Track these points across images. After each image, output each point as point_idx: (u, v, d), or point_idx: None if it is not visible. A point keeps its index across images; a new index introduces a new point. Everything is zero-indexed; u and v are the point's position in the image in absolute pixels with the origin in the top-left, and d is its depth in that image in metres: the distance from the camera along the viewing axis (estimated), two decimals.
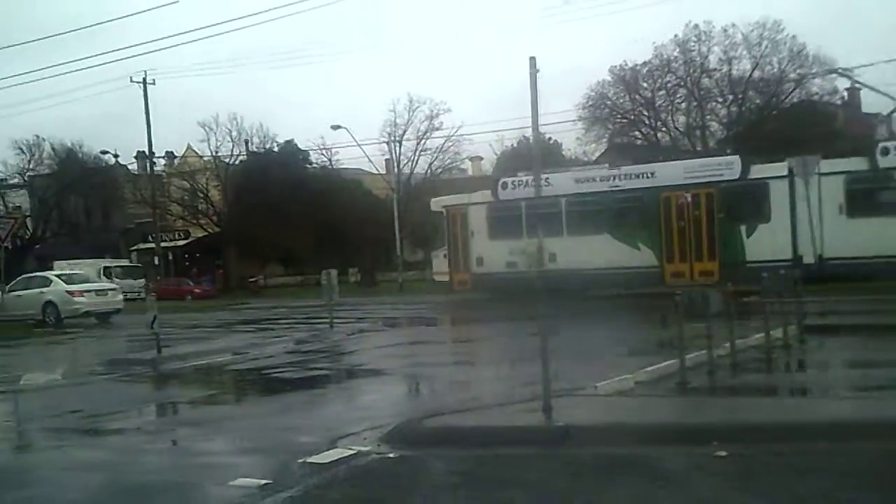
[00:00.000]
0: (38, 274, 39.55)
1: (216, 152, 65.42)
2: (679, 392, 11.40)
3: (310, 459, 8.66)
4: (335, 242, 53.73)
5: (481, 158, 67.57)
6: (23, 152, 69.12)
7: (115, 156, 69.07)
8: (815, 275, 27.52)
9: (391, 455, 8.97)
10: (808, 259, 29.57)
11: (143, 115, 56.30)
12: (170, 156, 72.81)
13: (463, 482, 8.02)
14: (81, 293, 34.04)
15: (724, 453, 8.21)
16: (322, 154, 63.15)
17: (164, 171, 71.44)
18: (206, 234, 66.34)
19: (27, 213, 67.00)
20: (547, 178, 33.20)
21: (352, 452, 8.97)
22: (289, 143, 64.30)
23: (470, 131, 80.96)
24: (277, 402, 13.60)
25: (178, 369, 18.30)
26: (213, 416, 12.50)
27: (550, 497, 7.43)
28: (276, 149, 64.92)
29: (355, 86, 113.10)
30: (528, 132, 50.06)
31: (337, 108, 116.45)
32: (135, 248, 67.78)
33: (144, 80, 56.01)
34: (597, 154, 55.11)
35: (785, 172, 30.58)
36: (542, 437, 9.37)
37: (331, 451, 8.99)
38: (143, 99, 56.31)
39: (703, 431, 8.95)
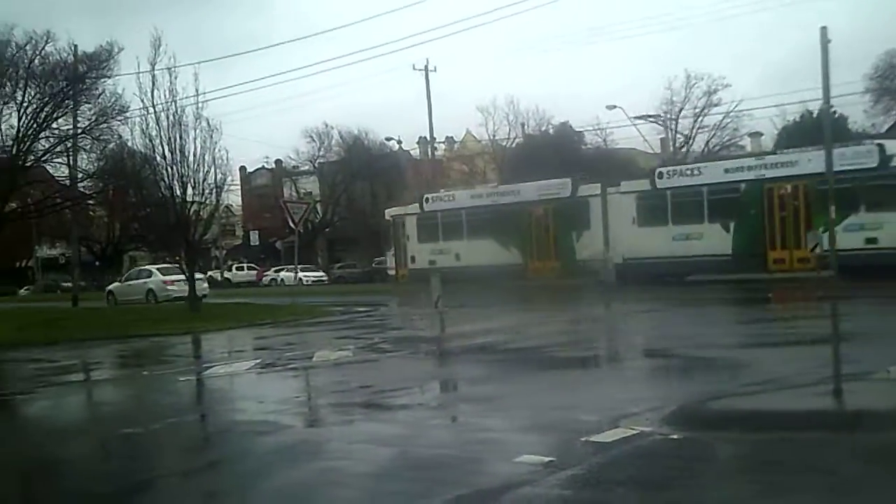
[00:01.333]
0: (143, 267, 50.33)
1: (494, 136, 66.52)
2: None
3: (592, 438, 8.58)
4: None
5: (761, 134, 65.00)
6: (313, 140, 73.03)
7: (399, 142, 71.74)
8: (621, 272, 37.48)
9: (674, 436, 8.77)
10: (617, 259, 38.20)
11: (425, 102, 58.14)
12: (450, 140, 74.69)
13: (749, 466, 7.74)
14: (172, 282, 41.97)
15: None
16: (596, 134, 62.94)
17: (444, 155, 73.29)
18: None
19: (317, 199, 70.63)
20: (452, 194, 46.71)
21: (634, 432, 8.83)
22: (564, 124, 64.43)
23: (749, 106, 77.89)
24: (556, 380, 13.62)
25: (459, 347, 18.76)
26: (494, 393, 12.65)
27: (843, 484, 7.04)
28: (551, 131, 65.19)
29: (631, 64, 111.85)
30: (811, 106, 47.93)
31: (612, 88, 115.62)
32: None
33: (426, 67, 57.85)
34: (885, 127, 52.04)
35: (598, 192, 40.12)
36: (832, 422, 8.96)
37: (612, 431, 8.87)
38: (424, 86, 58.13)
39: None
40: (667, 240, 36.87)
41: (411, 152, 75.34)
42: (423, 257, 45.56)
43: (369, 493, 7.76)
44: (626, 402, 10.63)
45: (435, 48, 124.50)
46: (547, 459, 7.91)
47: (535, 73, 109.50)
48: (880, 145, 33.26)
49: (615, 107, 52.59)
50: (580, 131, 63.24)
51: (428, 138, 63.53)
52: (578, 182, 41.42)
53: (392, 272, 48.88)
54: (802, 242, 34.21)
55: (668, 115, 58.25)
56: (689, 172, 38.03)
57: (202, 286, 41.06)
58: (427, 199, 47.06)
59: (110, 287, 44.83)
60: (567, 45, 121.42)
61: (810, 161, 33.76)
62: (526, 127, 66.96)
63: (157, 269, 46.81)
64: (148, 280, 45.41)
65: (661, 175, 38.41)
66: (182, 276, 39.52)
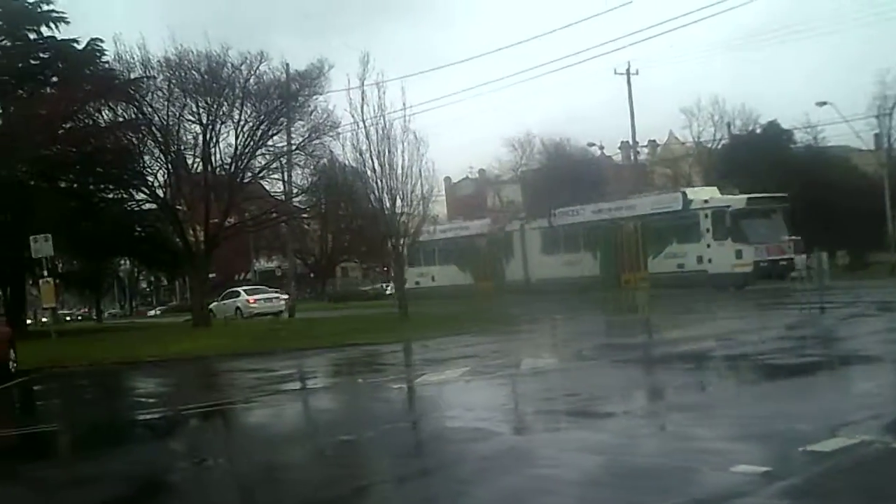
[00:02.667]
0: (233, 289, 56.40)
1: (698, 138, 65.23)
2: None
3: (809, 447, 8.33)
4: (822, 223, 51.40)
5: None
6: (515, 149, 73.35)
7: (601, 147, 71.22)
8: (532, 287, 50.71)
9: None
10: (532, 279, 51.88)
11: (627, 106, 57.52)
12: (652, 144, 73.67)
13: None
14: (255, 301, 50.63)
15: None
16: (806, 132, 60.75)
17: (647, 159, 72.34)
18: None
19: (520, 207, 70.99)
20: (434, 227, 53.44)
21: (854, 442, 8.51)
22: (772, 123, 62.49)
23: None
24: (769, 388, 13.26)
25: (666, 354, 18.49)
26: (704, 401, 12.43)
27: None
28: (758, 130, 63.36)
29: (841, 58, 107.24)
30: None
31: (822, 84, 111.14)
32: None
33: (628, 70, 57.28)
34: None
35: (518, 227, 54.28)
36: None
37: (831, 440, 8.56)
38: (626, 89, 57.54)
39: None
40: (559, 264, 49.78)
41: (613, 157, 74.76)
42: (413, 279, 50.97)
43: (581, 501, 7.76)
44: (845, 410, 10.25)
45: (636, 51, 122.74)
46: (764, 469, 7.72)
47: (741, 70, 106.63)
48: (683, 192, 47.22)
49: (825, 103, 50.55)
50: (789, 130, 61.17)
51: (630, 142, 62.88)
52: (505, 220, 57.25)
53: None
54: (642, 266, 46.44)
55: (882, 111, 55.50)
56: (572, 213, 50.76)
57: (279, 304, 50.31)
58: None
59: (211, 305, 48.42)
60: (774, 40, 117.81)
61: (642, 205, 47.72)
62: (732, 127, 65.32)
63: (244, 289, 54.70)
64: (236, 299, 51.89)
65: (554, 215, 51.42)
66: (263, 295, 51.69)
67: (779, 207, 44.14)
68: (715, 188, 47.30)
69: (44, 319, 58.35)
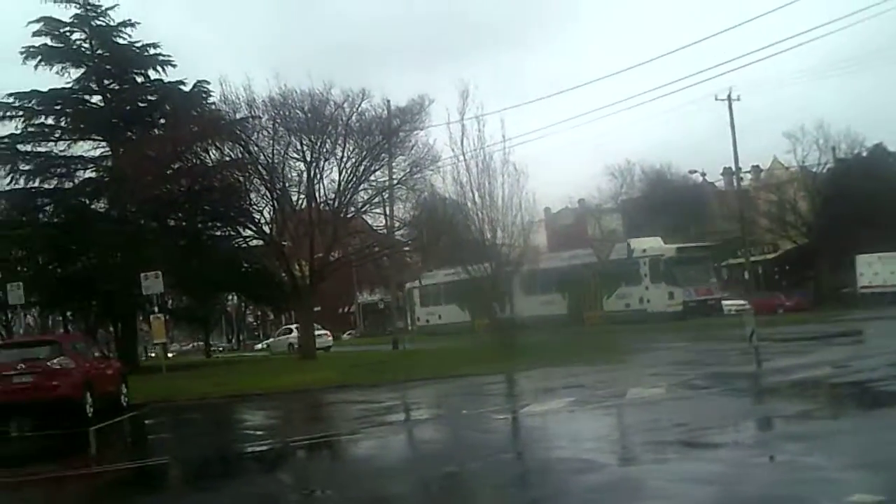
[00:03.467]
0: (286, 326, 61.93)
1: (802, 162, 63.93)
2: None
3: None
4: None
5: None
6: (615, 177, 72.75)
7: (702, 174, 70.24)
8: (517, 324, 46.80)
9: None
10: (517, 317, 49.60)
11: (729, 132, 56.69)
12: (756, 169, 72.41)
13: None
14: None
15: None
16: None
17: (750, 185, 71.14)
18: (795, 245, 64.95)
19: (621, 236, 70.41)
20: (434, 272, 63.50)
21: None
22: (878, 146, 61.01)
23: None
24: (884, 416, 12.89)
25: (777, 383, 18.11)
26: (817, 430, 12.13)
27: None
28: (864, 153, 61.89)
29: None
30: None
31: None
32: (724, 263, 68.21)
33: (729, 96, 56.48)
34: None
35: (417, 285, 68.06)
36: None
37: None
38: (727, 115, 56.76)
39: None
40: (537, 304, 54.68)
41: (716, 184, 73.69)
42: (425, 316, 69.28)
43: None
44: None
45: (737, 76, 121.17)
46: (880, 499, 7.49)
47: (845, 93, 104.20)
48: (628, 243, 55.20)
49: None
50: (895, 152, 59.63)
51: (733, 168, 61.90)
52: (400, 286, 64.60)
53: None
54: (599, 306, 54.59)
55: None
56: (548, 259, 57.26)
57: (327, 340, 54.65)
58: (424, 277, 67.50)
59: (267, 342, 55.04)
60: (879, 61, 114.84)
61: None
62: (837, 150, 63.85)
63: (295, 327, 55.95)
64: (289, 336, 56.34)
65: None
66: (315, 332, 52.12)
67: (706, 255, 54.82)
68: (659, 238, 55.06)
69: (152, 354, 59.86)
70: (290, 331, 56.74)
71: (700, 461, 10.64)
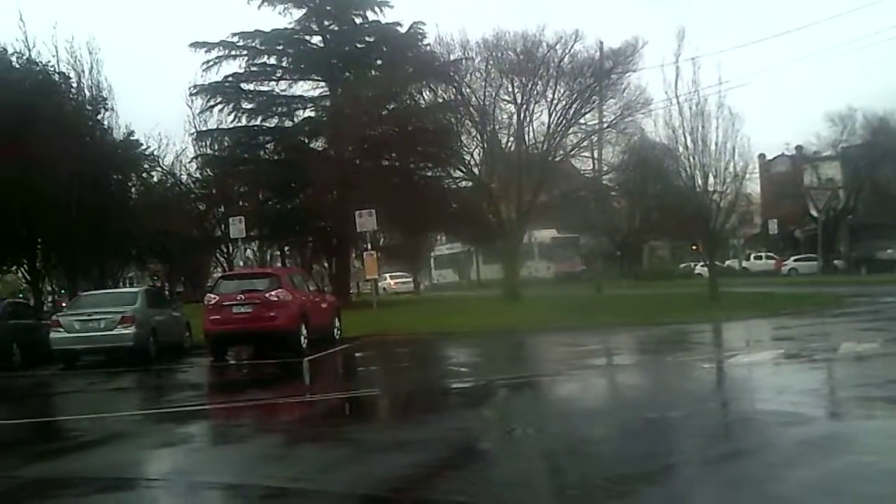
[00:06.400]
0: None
1: None
2: None
3: None
4: None
5: None
6: (835, 124, 69.61)
7: None
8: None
9: None
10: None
11: None
12: None
13: None
14: (396, 283, 68.75)
15: None
16: None
17: None
18: None
19: (839, 185, 67.50)
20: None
21: None
22: None
23: None
24: None
25: None
26: None
27: None
28: None
29: None
30: None
31: None
32: None
33: None
34: None
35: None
36: None
37: None
38: None
39: None
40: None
41: None
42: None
43: None
44: None
45: None
46: None
47: None
48: (531, 234, 58.27)
49: None
50: None
51: None
52: None
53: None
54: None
55: None
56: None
57: (410, 285, 65.74)
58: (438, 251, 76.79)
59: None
60: None
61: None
62: None
63: (388, 275, 64.70)
64: (382, 282, 60.54)
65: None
66: (401, 279, 65.46)
67: (572, 241, 71.41)
68: (554, 230, 68.25)
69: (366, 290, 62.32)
70: (384, 278, 64.07)
71: None
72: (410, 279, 68.92)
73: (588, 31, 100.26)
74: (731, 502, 7.53)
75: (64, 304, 38.64)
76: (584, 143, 43.36)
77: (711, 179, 31.81)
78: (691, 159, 31.61)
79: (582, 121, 41.93)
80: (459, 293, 59.93)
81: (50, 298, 59.25)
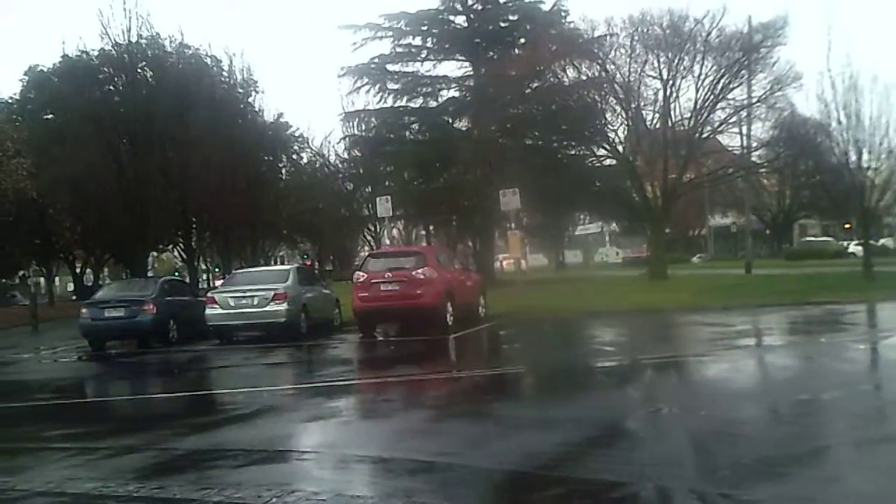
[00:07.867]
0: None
1: None
2: None
3: None
4: None
5: None
6: None
7: None
8: None
9: None
10: None
11: None
12: None
13: None
14: (506, 263, 61.96)
15: None
16: None
17: None
18: None
19: None
20: None
21: None
22: None
23: None
24: None
25: None
26: None
27: None
28: None
29: None
30: None
31: None
32: None
33: None
34: None
35: None
36: None
37: None
38: None
39: None
40: None
41: None
42: None
43: None
44: None
45: None
46: None
47: None
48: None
49: None
50: None
51: None
52: None
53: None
54: None
55: None
56: None
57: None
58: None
59: None
60: None
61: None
62: None
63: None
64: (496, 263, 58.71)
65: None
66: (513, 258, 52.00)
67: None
68: None
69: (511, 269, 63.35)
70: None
71: None
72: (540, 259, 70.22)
73: (736, 4, 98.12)
74: (885, 487, 7.36)
75: (219, 282, 40.08)
76: (733, 119, 42.39)
77: (865, 155, 30.85)
78: (844, 134, 30.69)
79: (730, 96, 41.00)
80: (591, 273, 59.43)
81: (205, 276, 61.42)
